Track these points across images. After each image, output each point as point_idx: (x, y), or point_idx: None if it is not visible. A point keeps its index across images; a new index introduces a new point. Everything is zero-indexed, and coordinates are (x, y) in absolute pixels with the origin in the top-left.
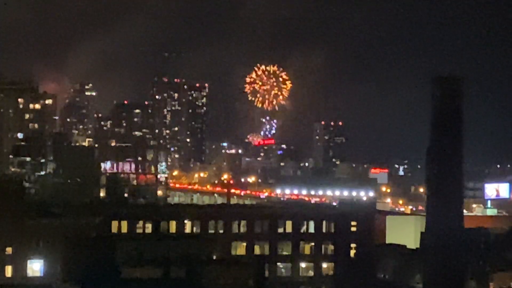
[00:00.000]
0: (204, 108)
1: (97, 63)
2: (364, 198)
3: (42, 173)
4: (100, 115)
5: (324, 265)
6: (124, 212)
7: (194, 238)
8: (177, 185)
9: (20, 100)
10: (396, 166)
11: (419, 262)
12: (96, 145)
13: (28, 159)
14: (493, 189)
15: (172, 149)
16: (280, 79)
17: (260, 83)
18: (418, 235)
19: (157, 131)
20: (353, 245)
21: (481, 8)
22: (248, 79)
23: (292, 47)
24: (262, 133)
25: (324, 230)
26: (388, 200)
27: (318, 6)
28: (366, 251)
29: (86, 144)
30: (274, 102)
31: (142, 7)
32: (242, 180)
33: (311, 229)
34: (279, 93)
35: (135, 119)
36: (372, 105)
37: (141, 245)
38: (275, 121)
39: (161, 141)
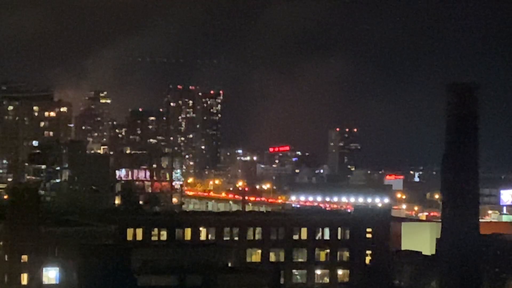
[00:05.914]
0: (219, 115)
1: (112, 71)
2: (379, 205)
3: (57, 180)
4: (115, 122)
5: (340, 272)
6: (139, 220)
7: (209, 246)
8: (192, 192)
9: (35, 108)
10: (411, 172)
11: (435, 268)
12: (111, 153)
13: (43, 167)
14: (509, 195)
15: (187, 156)
16: None
17: None
18: (433, 241)
19: (172, 138)
20: (368, 252)
21: (497, 14)
22: None
23: (308, 54)
24: None
25: (339, 237)
26: (404, 206)
27: (336, 14)
28: (382, 257)
29: (101, 151)
30: None
31: (157, 15)
32: (257, 187)
33: (326, 236)
34: None
35: (150, 127)
36: (387, 111)
37: (156, 252)
38: None
39: (176, 148)
